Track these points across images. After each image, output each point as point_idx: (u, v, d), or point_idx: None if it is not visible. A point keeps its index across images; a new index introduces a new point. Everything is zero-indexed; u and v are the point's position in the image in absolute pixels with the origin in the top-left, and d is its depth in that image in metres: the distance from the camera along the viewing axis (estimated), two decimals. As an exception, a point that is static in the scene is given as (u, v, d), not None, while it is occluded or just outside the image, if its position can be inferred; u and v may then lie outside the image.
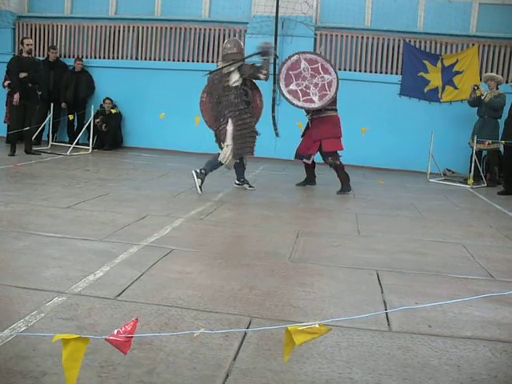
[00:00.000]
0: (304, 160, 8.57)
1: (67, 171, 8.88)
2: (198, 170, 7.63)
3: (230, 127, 7.63)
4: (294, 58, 8.21)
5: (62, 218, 5.58)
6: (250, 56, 7.97)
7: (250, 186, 8.24)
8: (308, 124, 8.60)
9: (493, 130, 10.44)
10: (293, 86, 8.14)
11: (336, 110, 8.39)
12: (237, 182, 8.33)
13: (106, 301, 3.38)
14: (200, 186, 7.54)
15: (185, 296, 3.54)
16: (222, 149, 7.83)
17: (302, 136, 8.70)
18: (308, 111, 8.44)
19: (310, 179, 8.81)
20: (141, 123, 12.92)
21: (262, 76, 7.66)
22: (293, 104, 8.18)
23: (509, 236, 6.10)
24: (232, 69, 7.67)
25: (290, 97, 8.15)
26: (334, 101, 8.26)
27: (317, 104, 8.11)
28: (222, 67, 7.80)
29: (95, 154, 11.60)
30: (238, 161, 7.96)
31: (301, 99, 8.11)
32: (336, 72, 8.19)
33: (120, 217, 5.78)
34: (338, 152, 8.33)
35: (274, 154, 11.95)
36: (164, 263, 4.25)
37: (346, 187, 8.38)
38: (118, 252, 4.44)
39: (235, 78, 7.65)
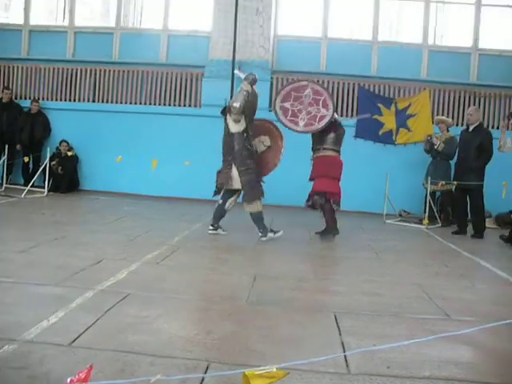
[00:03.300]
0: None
1: (22, 214, 8.74)
2: (210, 227, 7.94)
3: (234, 173, 7.65)
4: (304, 82, 8.16)
5: (16, 263, 5.47)
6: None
7: (223, 230, 8.08)
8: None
9: (445, 171, 10.70)
10: (287, 104, 8.01)
11: (337, 152, 8.21)
12: (210, 227, 8.04)
13: (59, 347, 3.30)
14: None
15: (141, 341, 3.49)
16: (219, 193, 7.99)
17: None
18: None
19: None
20: (97, 166, 12.83)
21: (237, 103, 7.43)
22: (278, 119, 8.09)
23: (464, 275, 6.19)
24: (234, 104, 7.51)
25: (279, 111, 8.02)
26: (336, 141, 8.15)
27: (299, 128, 8.02)
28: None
29: (51, 197, 11.44)
30: (220, 202, 7.96)
31: (288, 117, 7.99)
32: (334, 112, 7.99)
33: (76, 261, 5.68)
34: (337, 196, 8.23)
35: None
36: (120, 308, 4.19)
37: (329, 230, 8.19)
38: (74, 296, 4.35)
39: (231, 124, 7.63)
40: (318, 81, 12.30)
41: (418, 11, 13.09)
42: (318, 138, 8.17)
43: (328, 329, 4.00)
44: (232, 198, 7.95)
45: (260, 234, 7.76)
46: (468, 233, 9.70)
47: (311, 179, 8.28)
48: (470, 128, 9.84)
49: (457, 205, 10.10)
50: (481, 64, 12.87)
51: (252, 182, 7.67)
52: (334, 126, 8.07)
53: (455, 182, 10.07)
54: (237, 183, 7.68)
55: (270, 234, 7.77)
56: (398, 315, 4.46)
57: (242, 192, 7.73)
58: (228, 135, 7.70)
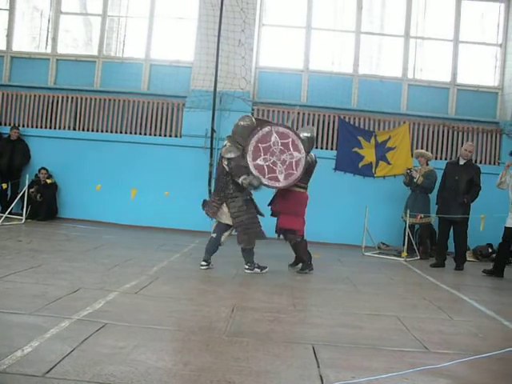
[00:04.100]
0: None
1: (-2, 242, 8.64)
2: (203, 263, 7.70)
3: (224, 210, 7.64)
4: (266, 129, 7.77)
5: (-10, 291, 5.39)
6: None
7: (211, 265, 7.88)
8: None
9: (424, 204, 10.80)
10: (260, 161, 7.68)
11: (305, 188, 8.15)
12: (203, 263, 7.75)
13: (33, 378, 3.23)
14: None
15: (117, 372, 3.43)
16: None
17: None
18: None
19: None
20: (77, 194, 12.76)
21: (240, 182, 7.50)
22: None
23: (442, 308, 6.20)
24: (227, 155, 7.60)
25: (255, 172, 7.61)
26: (305, 177, 8.02)
27: (281, 183, 7.73)
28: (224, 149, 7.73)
29: (29, 225, 11.34)
30: (214, 236, 7.78)
31: (266, 176, 7.66)
32: (305, 151, 7.80)
33: (52, 289, 5.61)
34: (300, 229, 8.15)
35: (210, 227, 11.85)
36: (97, 338, 4.13)
37: (305, 266, 8.12)
38: (49, 326, 4.29)
39: (225, 166, 7.63)
40: (298, 113, 12.44)
41: (397, 46, 13.34)
42: None
43: (306, 361, 3.97)
44: (227, 233, 7.80)
45: (246, 267, 7.71)
46: (446, 266, 9.77)
47: (274, 210, 8.23)
48: (461, 162, 9.95)
49: (440, 236, 10.14)
50: (459, 99, 13.11)
51: (244, 225, 7.58)
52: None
53: (434, 215, 10.20)
54: (227, 219, 7.65)
55: (257, 270, 7.71)
56: (377, 347, 4.45)
57: (236, 232, 7.68)
58: (224, 174, 7.64)
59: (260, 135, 7.76)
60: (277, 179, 7.71)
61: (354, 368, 3.88)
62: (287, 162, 7.70)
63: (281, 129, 7.87)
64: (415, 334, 4.93)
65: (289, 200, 8.04)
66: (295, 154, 7.72)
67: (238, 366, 3.72)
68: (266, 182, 7.69)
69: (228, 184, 7.60)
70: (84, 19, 14.29)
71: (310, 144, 8.02)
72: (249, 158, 7.68)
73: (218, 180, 7.80)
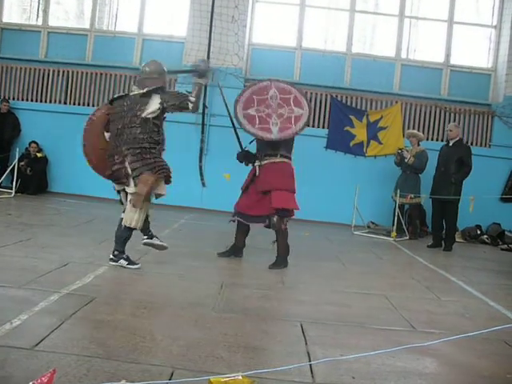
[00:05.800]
0: (240, 219, 6.95)
1: (-13, 215, 8.61)
2: (112, 257, 5.97)
3: (128, 169, 6.10)
4: (264, 83, 7.08)
5: (-20, 264, 5.38)
6: (182, 72, 7.01)
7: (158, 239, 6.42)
8: (255, 173, 6.91)
9: (415, 184, 10.82)
10: (251, 111, 6.77)
11: (290, 159, 6.99)
12: (144, 238, 6.29)
13: (22, 351, 3.23)
14: (127, 260, 5.94)
15: (106, 346, 3.44)
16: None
17: (243, 189, 7.07)
18: (258, 156, 6.94)
19: (238, 247, 7.13)
20: (67, 168, 12.69)
21: (190, 106, 6.07)
22: (245, 129, 6.73)
23: (429, 287, 6.25)
24: (153, 98, 6.15)
25: (243, 121, 6.70)
26: (289, 147, 6.97)
27: (274, 135, 6.67)
28: (138, 93, 6.26)
29: (18, 198, 11.29)
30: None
31: (256, 125, 6.69)
32: (309, 107, 7.05)
33: (42, 263, 5.61)
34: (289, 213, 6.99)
35: (201, 204, 11.92)
36: (85, 312, 4.13)
37: (281, 261, 6.79)
38: (38, 299, 4.29)
39: (153, 108, 6.08)
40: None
41: (392, 25, 13.26)
42: (273, 141, 6.83)
43: (294, 338, 4.00)
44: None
45: (111, 256, 5.97)
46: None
47: (263, 191, 6.79)
48: (451, 143, 10.13)
49: (434, 217, 10.20)
50: (451, 80, 13.08)
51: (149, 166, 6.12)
52: None
53: (424, 195, 10.25)
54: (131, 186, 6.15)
55: (122, 262, 5.91)
56: (364, 326, 4.48)
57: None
58: (136, 120, 6.10)
59: (256, 88, 7.06)
60: (269, 130, 6.71)
61: (342, 345, 3.92)
62: (285, 116, 6.82)
63: (282, 84, 7.19)
64: (403, 313, 4.97)
65: (280, 172, 6.84)
66: (296, 109, 6.88)
67: (227, 342, 3.74)
68: (253, 131, 6.73)
69: (138, 136, 6.10)
70: (76, -9, 14.13)
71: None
72: (239, 108, 6.82)
73: (118, 138, 6.16)
